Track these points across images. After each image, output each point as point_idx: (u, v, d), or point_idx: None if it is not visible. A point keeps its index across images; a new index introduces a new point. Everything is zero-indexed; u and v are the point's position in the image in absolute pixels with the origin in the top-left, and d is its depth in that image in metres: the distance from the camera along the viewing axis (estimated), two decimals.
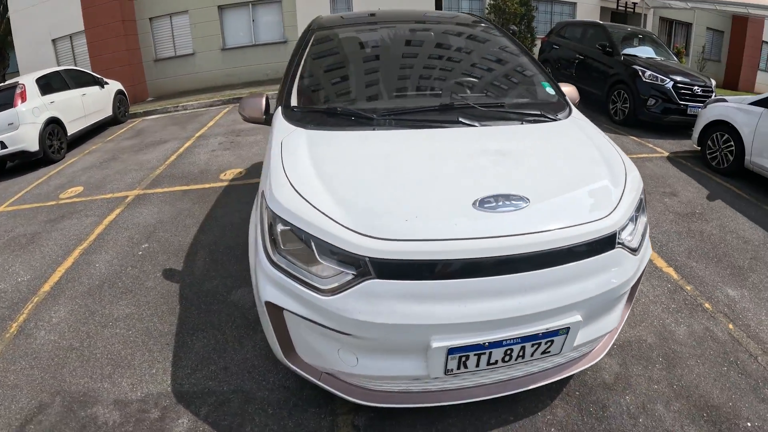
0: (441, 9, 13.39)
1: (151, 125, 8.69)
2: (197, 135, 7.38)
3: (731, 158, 5.41)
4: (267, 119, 2.63)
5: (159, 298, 2.96)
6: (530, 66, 2.91)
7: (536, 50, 11.26)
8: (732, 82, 16.55)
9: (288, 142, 2.12)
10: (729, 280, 3.47)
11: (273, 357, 2.42)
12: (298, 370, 1.87)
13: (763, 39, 17.17)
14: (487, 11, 13.46)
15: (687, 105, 6.87)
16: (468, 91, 2.68)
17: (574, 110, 2.64)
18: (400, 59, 2.89)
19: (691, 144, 6.61)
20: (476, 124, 2.27)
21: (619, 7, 13.50)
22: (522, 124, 2.36)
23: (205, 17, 12.60)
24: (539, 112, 2.47)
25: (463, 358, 1.69)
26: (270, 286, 1.74)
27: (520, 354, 1.76)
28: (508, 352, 1.72)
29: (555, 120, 2.43)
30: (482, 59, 3.03)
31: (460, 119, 2.28)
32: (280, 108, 2.44)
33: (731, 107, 5.44)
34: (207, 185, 5.05)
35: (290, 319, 1.76)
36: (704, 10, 14.06)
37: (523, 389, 1.93)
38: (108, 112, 8.63)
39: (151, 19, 12.63)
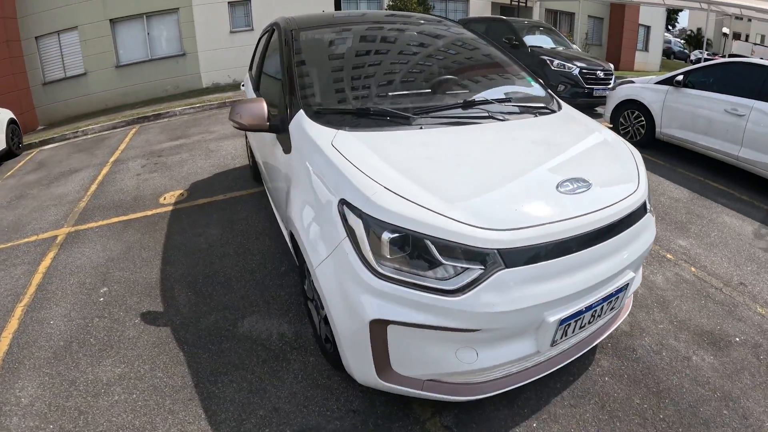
0: (340, 7, 13.25)
1: (54, 155, 7.50)
2: (112, 160, 6.50)
3: (643, 131, 6.00)
4: (272, 126, 2.36)
5: (151, 348, 2.50)
6: (513, 63, 3.06)
7: None
8: (613, 63, 18.53)
9: (343, 145, 1.91)
10: (677, 233, 3.97)
11: (325, 383, 2.21)
12: (396, 386, 1.75)
13: (640, 22, 19.48)
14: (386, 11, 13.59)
15: (592, 88, 7.51)
16: (477, 88, 2.70)
17: (561, 102, 2.84)
18: (401, 58, 2.81)
19: (602, 122, 7.26)
20: (501, 118, 2.31)
21: (513, 2, 14.39)
22: (536, 116, 2.47)
23: (96, 33, 11.17)
24: (543, 105, 2.61)
25: (566, 327, 1.79)
26: (377, 300, 1.59)
27: (599, 313, 1.93)
28: (594, 313, 1.88)
29: (555, 111, 2.60)
30: (474, 58, 3.05)
31: (491, 115, 2.30)
32: (301, 112, 2.21)
33: (639, 87, 6.02)
34: (149, 212, 4.45)
35: (396, 332, 1.63)
36: (579, 0, 15.49)
37: (589, 347, 2.11)
38: (1, 144, 7.27)
39: (37, 38, 10.93)
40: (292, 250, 2.55)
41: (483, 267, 1.56)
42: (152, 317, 2.77)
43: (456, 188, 1.72)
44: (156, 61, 11.75)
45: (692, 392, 2.29)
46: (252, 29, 11.58)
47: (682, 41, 37.34)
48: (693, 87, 5.41)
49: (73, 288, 3.18)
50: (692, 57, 30.68)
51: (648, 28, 20.95)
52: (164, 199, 4.79)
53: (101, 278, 3.28)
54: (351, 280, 1.63)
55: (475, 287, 1.55)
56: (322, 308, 1.98)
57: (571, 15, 18.01)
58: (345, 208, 1.67)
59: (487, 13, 16.43)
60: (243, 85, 4.63)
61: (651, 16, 20.44)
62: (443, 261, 1.56)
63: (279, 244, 3.68)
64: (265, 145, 3.08)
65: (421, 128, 2.12)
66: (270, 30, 3.66)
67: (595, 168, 2.04)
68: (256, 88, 3.66)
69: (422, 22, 3.29)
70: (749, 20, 14.31)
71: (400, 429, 1.98)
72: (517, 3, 14.31)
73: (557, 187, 1.80)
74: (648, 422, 2.10)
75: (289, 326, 2.63)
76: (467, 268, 1.56)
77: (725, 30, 18.78)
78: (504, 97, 2.61)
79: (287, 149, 2.29)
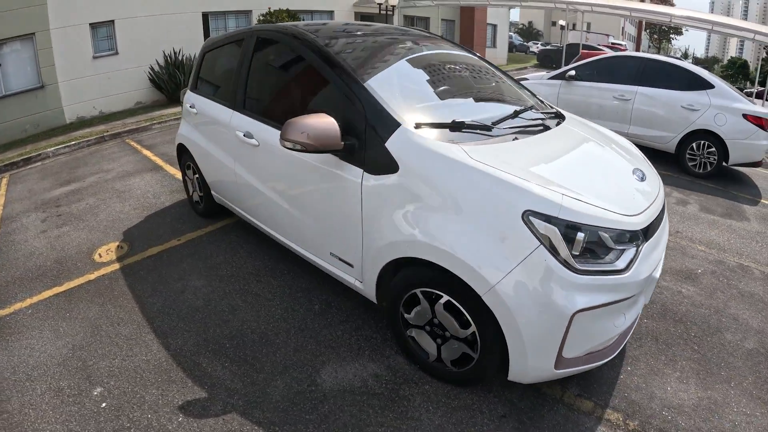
0: (209, 29, 12.08)
1: None
2: None
3: None
4: (348, 146, 2.07)
5: None
6: (506, 75, 3.19)
7: None
8: None
9: (484, 158, 1.88)
10: None
11: (459, 404, 2.10)
12: (566, 370, 1.86)
13: (488, 22, 21.27)
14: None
15: None
16: (508, 99, 2.76)
17: (556, 107, 3.09)
18: (434, 69, 2.74)
19: None
20: (549, 125, 2.44)
21: (381, 11, 14.63)
22: (559, 122, 2.62)
23: None
24: (556, 112, 2.82)
25: (657, 282, 2.20)
26: (576, 294, 1.69)
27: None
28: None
29: (565, 117, 2.79)
30: (485, 69, 3.04)
31: (542, 123, 2.44)
32: (403, 128, 2.01)
33: (534, 83, 6.60)
34: (90, 276, 3.44)
35: (580, 319, 1.73)
36: (438, 6, 16.40)
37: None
38: None
39: None
40: (365, 284, 2.29)
41: (636, 245, 1.83)
42: (200, 407, 2.09)
43: (593, 187, 1.91)
44: (11, 98, 8.98)
45: (697, 313, 2.94)
46: (116, 53, 9.76)
47: (517, 34, 42.22)
48: (582, 80, 6.09)
49: (50, 399, 2.25)
50: (533, 48, 34.68)
51: (495, 26, 23.16)
52: (99, 256, 3.75)
53: (82, 376, 2.39)
54: (550, 282, 1.68)
55: (635, 261, 1.81)
56: (465, 327, 1.92)
57: (426, 19, 19.02)
58: (531, 218, 1.68)
59: (351, 21, 16.49)
60: (192, 107, 3.78)
61: (497, 15, 22.62)
62: (614, 246, 1.76)
63: (290, 281, 3.12)
64: (281, 167, 2.64)
65: (515, 139, 2.15)
66: (248, 37, 3.08)
67: (634, 159, 2.43)
68: (241, 106, 3.00)
69: (417, 32, 3.23)
70: (574, 11, 16.66)
71: (549, 413, 2.06)
72: (384, 11, 14.63)
73: (633, 175, 2.18)
74: (688, 341, 2.67)
75: (376, 364, 2.28)
76: (626, 249, 1.80)
77: (562, 22, 21.64)
78: (529, 106, 2.72)
79: (382, 169, 2.01)
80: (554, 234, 1.66)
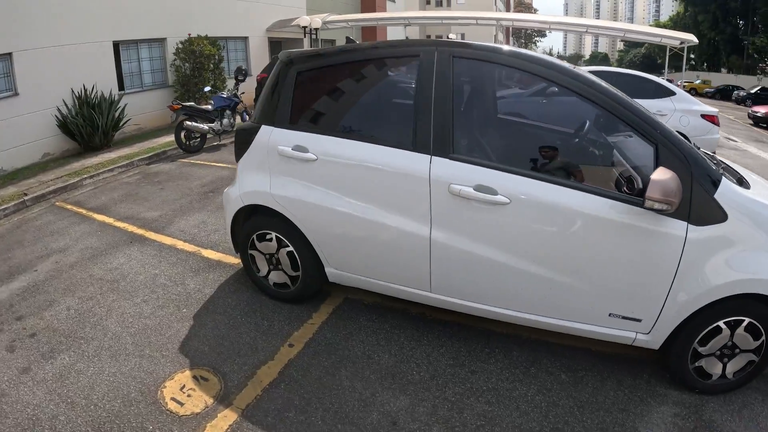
0: (120, 60, 9.81)
1: None
2: None
3: None
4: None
5: None
6: None
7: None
8: None
9: None
10: None
11: None
12: None
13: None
14: (174, 56, 10.87)
15: None
16: None
17: None
18: None
19: None
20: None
21: (306, 34, 13.59)
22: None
23: None
24: None
25: None
26: None
27: None
28: None
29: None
30: None
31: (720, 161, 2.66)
32: (726, 182, 2.10)
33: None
34: None
35: None
36: (342, 29, 15.95)
37: None
38: None
39: None
40: (653, 334, 2.22)
41: None
42: None
43: None
44: None
45: None
46: (16, 93, 7.06)
47: None
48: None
49: None
50: None
51: None
52: (178, 404, 2.30)
53: None
54: None
55: None
56: (757, 339, 2.11)
57: (332, 41, 18.29)
58: None
59: (265, 49, 15.18)
60: (302, 150, 2.47)
61: (394, 34, 22.77)
62: None
63: (506, 361, 2.48)
64: (557, 229, 2.19)
65: (742, 179, 2.38)
66: (430, 56, 2.32)
67: None
68: (449, 151, 2.24)
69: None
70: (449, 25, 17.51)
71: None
72: (309, 34, 13.60)
73: None
74: None
75: (667, 406, 2.24)
76: None
77: (452, 35, 22.36)
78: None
79: (708, 220, 2.03)
80: None
